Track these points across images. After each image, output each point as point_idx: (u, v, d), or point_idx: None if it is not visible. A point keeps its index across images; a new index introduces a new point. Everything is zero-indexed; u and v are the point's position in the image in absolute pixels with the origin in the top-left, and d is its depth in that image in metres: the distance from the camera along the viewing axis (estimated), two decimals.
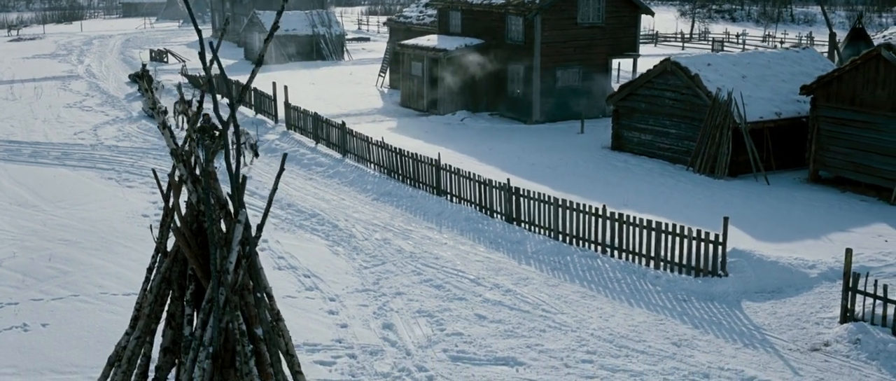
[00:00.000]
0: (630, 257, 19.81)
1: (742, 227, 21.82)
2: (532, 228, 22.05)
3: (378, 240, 21.72)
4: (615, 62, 42.85)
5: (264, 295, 10.05)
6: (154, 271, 10.25)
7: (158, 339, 10.47)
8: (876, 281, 16.07)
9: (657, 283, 18.61)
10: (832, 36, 41.73)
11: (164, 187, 10.16)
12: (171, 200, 9.95)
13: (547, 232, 21.62)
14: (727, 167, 27.54)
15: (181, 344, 10.01)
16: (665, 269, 19.17)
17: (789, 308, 17.27)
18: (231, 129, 9.26)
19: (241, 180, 9.74)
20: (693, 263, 18.76)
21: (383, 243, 21.49)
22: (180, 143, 9.77)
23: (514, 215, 22.58)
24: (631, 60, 41.99)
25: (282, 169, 9.73)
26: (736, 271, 18.54)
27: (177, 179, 9.93)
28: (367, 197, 26.18)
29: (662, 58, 30.93)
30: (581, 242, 20.82)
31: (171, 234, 10.06)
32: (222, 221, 9.89)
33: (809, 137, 26.98)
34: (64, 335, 15.90)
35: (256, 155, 30.03)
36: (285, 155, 10.25)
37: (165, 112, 9.68)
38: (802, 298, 17.77)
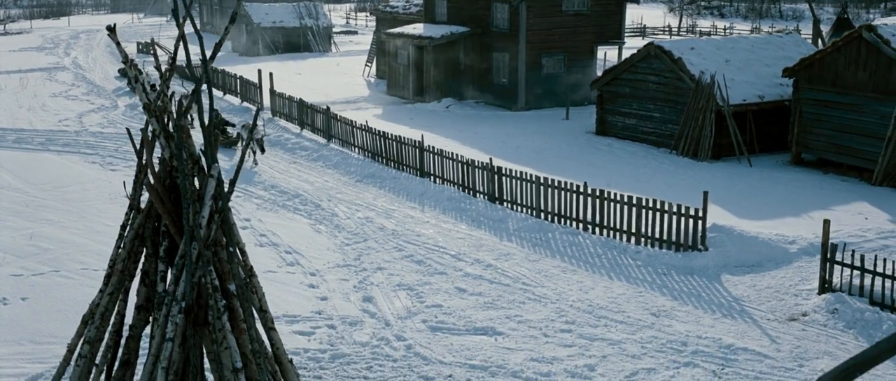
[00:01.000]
0: (611, 233, 19.87)
1: (723, 205, 21.91)
2: (514, 207, 22.09)
3: (360, 219, 21.74)
4: (601, 52, 42.92)
5: (237, 250, 10.06)
6: (127, 228, 10.25)
7: (133, 298, 10.48)
8: (853, 252, 16.16)
9: (637, 258, 18.67)
10: (816, 21, 41.87)
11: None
12: (144, 156, 9.95)
13: (529, 211, 21.66)
14: (710, 150, 27.62)
15: (155, 301, 10.02)
16: (645, 244, 19.23)
17: (768, 281, 17.34)
18: (203, 85, 9.26)
19: (214, 138, 9.76)
20: (673, 238, 18.82)
21: (365, 221, 21.51)
22: (153, 98, 9.77)
23: (497, 195, 22.62)
24: (616, 49, 42.07)
25: (255, 123, 9.74)
26: (716, 245, 18.60)
27: (150, 134, 9.93)
28: (351, 179, 26.19)
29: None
30: (563, 219, 20.87)
31: (144, 190, 10.07)
32: (195, 177, 9.89)
33: (792, 120, 27.09)
34: (43, 308, 15.88)
35: (263, 151, 28.60)
36: (258, 113, 10.26)
37: (136, 66, 9.67)
38: (782, 271, 17.85)
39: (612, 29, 40.24)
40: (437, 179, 24.85)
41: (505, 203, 22.38)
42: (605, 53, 46.47)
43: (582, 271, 18.07)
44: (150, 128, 9.87)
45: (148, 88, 9.62)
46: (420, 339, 14.65)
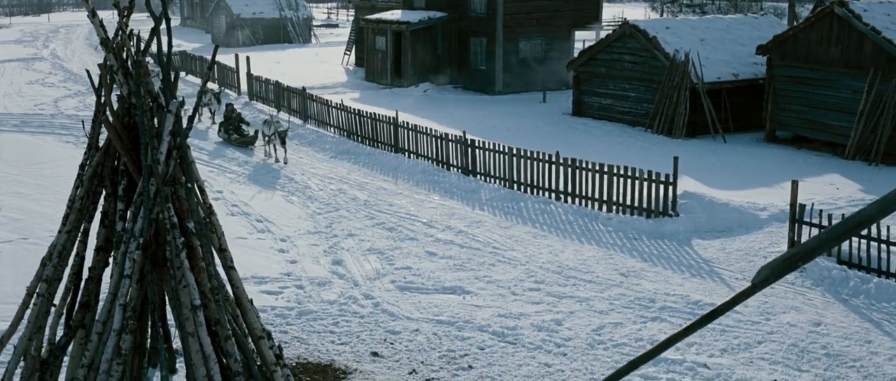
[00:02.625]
0: (583, 201, 19.90)
1: (695, 176, 21.96)
2: (488, 179, 22.09)
3: (333, 190, 21.70)
4: (579, 38, 42.92)
5: (195, 188, 10.00)
6: (86, 168, 10.17)
7: (93, 240, 10.40)
8: (821, 211, 16.21)
9: (608, 224, 18.69)
10: (791, 4, 41.99)
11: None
12: (103, 94, 9.88)
13: (502, 182, 21.66)
14: (685, 128, 27.68)
15: (114, 241, 9.95)
16: (617, 211, 19.26)
17: (738, 245, 17.40)
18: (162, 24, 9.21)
19: (173, 75, 9.73)
20: (644, 204, 18.85)
21: (338, 192, 21.47)
22: (112, 34, 9.71)
23: (470, 168, 22.60)
24: (594, 34, 42.10)
25: (213, 59, 9.68)
26: (686, 211, 18.64)
27: (108, 71, 9.86)
28: (325, 155, 26.15)
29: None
30: (535, 189, 20.88)
31: (102, 129, 10.00)
32: (155, 116, 9.83)
33: (766, 97, 27.18)
34: (10, 271, 15.78)
35: (283, 143, 25.28)
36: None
37: (93, 10, 9.60)
38: (752, 236, 17.90)
39: (589, 13, 40.29)
40: (412, 155, 24.82)
41: (478, 175, 22.37)
42: (584, 42, 46.46)
43: (553, 236, 18.07)
44: (108, 64, 9.81)
45: (104, 25, 9.56)
46: (388, 297, 14.62)
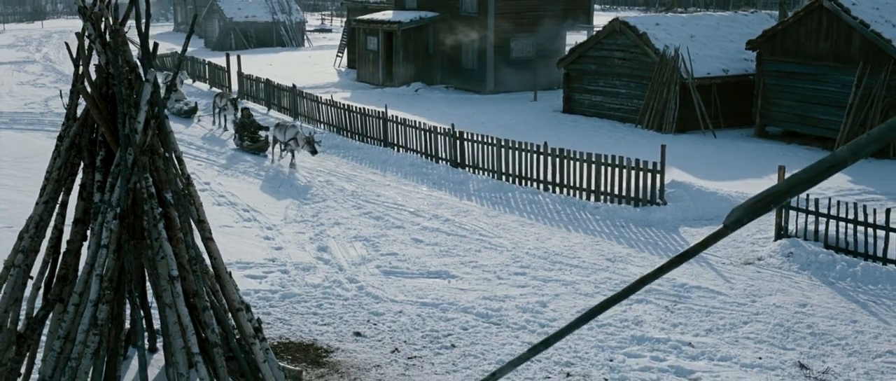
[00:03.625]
0: (570, 191, 19.85)
1: (684, 168, 21.90)
2: (476, 171, 22.04)
3: (321, 182, 21.63)
4: (571, 38, 42.86)
5: (174, 158, 9.92)
6: (64, 139, 10.10)
7: (71, 213, 10.31)
8: (808, 196, 16.16)
9: (596, 213, 18.64)
10: (782, 2, 41.95)
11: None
12: (81, 64, 9.81)
13: (490, 174, 21.60)
14: (675, 123, 27.64)
15: (91, 213, 9.87)
16: (605, 200, 19.22)
17: None
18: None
19: (152, 47, 9.67)
20: (632, 193, 18.79)
21: (326, 184, 21.41)
22: (90, 3, 9.64)
23: (459, 160, 22.54)
24: (585, 35, 42.06)
25: (192, 29, 9.61)
26: (674, 200, 18.60)
27: (86, 40, 9.79)
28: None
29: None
30: (523, 180, 20.83)
31: (81, 100, 9.93)
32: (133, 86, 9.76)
33: (755, 92, 27.16)
34: None
35: (314, 152, 23.33)
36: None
37: None
38: None
39: (580, 13, 40.27)
40: (400, 149, 24.77)
41: (467, 168, 22.32)
42: (576, 41, 46.44)
43: (540, 224, 18.01)
44: (86, 34, 9.74)
45: None
46: (373, 281, 14.54)
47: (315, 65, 52.17)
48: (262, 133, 26.24)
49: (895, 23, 23.77)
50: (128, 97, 9.48)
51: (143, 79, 9.58)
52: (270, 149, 24.90)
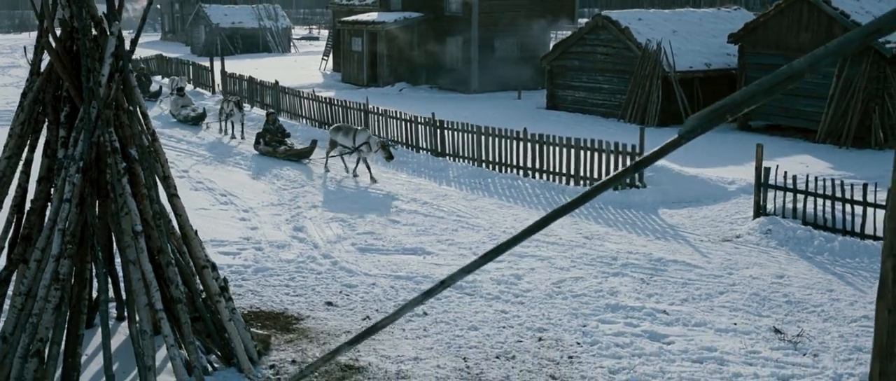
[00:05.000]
0: (550, 176, 19.77)
1: (666, 158, 21.78)
2: (456, 159, 21.94)
3: (299, 170, 21.48)
4: (556, 39, 42.91)
5: (139, 113, 9.80)
6: (28, 94, 9.96)
7: (35, 172, 10.16)
8: (786, 173, 16.10)
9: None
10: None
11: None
12: (45, 18, 9.68)
13: (471, 161, 21.51)
14: (657, 116, 27.60)
15: (55, 169, 9.73)
16: (584, 184, 19.14)
17: (705, 213, 17.29)
18: None
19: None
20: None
21: (305, 170, 21.27)
22: None
23: (440, 149, 22.44)
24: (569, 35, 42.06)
25: (146, 15, 9.48)
26: (654, 183, 18.55)
27: None
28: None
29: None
30: (503, 167, 20.76)
31: (45, 55, 9.81)
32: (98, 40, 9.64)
33: (737, 85, 27.11)
34: None
35: (390, 157, 20.45)
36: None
37: None
38: (719, 206, 17.80)
39: (565, 13, 40.25)
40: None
41: (447, 156, 22.22)
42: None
43: (518, 206, 17.92)
44: None
45: None
46: (347, 257, 14.42)
47: (301, 68, 52.07)
48: (290, 139, 24.18)
49: (875, 13, 23.76)
50: (92, 51, 9.36)
51: (108, 32, 9.47)
52: (326, 157, 21.78)
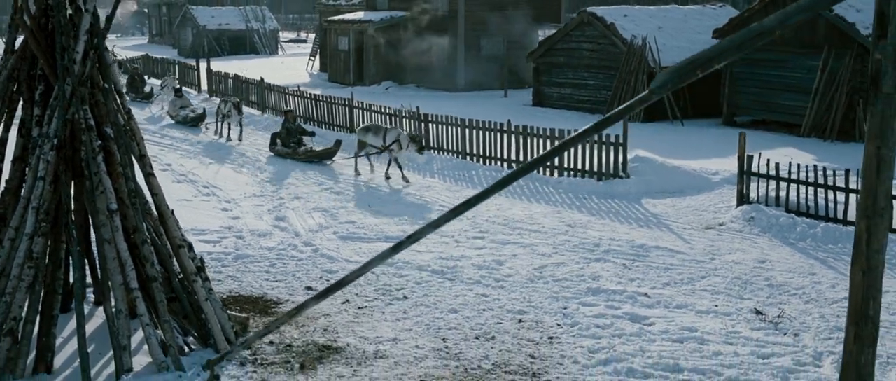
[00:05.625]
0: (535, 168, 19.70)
1: (650, 149, 21.74)
2: (440, 152, 21.89)
3: (283, 163, 21.41)
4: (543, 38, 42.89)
5: (114, 91, 9.72)
6: (2, 71, 9.86)
7: (10, 152, 10.07)
8: (769, 160, 16.09)
9: (559, 186, 18.54)
10: None
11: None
12: None
13: (455, 154, 21.47)
14: (643, 112, 27.55)
15: (30, 148, 9.64)
16: (568, 175, 19.10)
17: (688, 202, 17.28)
18: None
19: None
20: (595, 168, 18.69)
21: (289, 164, 21.20)
22: None
23: (424, 142, 22.35)
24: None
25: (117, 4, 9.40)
26: (638, 174, 18.51)
27: None
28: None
29: None
30: (487, 160, 20.74)
31: (19, 33, 9.73)
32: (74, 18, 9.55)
33: (723, 81, 27.14)
34: None
35: (422, 150, 19.74)
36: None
37: None
38: (703, 196, 17.80)
39: (551, 12, 40.26)
40: None
41: (432, 149, 22.14)
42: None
43: (501, 196, 17.83)
44: None
45: None
46: (329, 245, 14.35)
47: (288, 69, 51.92)
48: (309, 139, 22.87)
49: (859, 7, 23.80)
50: (67, 28, 9.27)
51: (83, 9, 9.39)
52: (355, 158, 20.58)
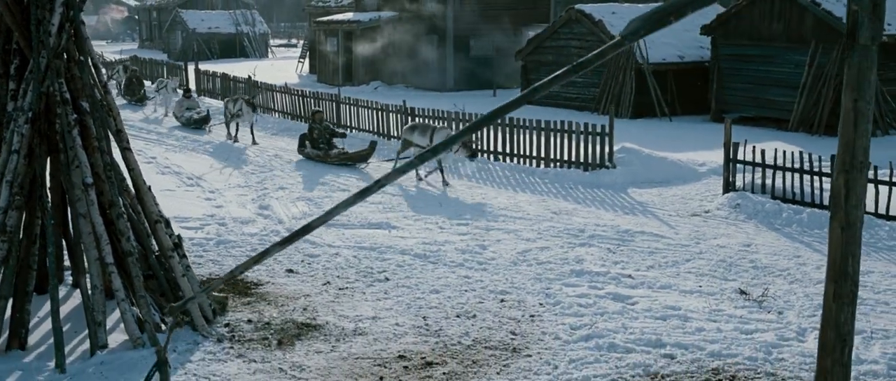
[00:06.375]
0: (520, 159, 19.67)
1: (637, 142, 21.68)
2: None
3: (269, 156, 21.37)
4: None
5: (90, 64, 9.60)
6: None
7: None
8: (754, 147, 16.04)
9: (545, 177, 18.47)
10: None
11: None
12: None
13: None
14: (631, 108, 27.54)
15: (4, 122, 9.52)
16: (554, 166, 19.03)
17: (675, 192, 17.21)
18: None
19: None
20: (581, 158, 18.62)
21: (274, 157, 21.17)
22: None
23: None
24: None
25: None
26: (624, 164, 18.44)
27: None
28: (266, 133, 25.73)
29: None
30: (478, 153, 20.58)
31: None
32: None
33: (711, 77, 27.11)
34: None
35: (474, 156, 18.54)
36: None
37: None
38: (690, 186, 17.73)
39: (541, 12, 40.17)
40: (353, 130, 24.48)
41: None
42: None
43: (487, 187, 17.80)
44: None
45: None
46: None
47: (277, 71, 51.56)
48: (339, 140, 21.55)
49: (846, 2, 23.76)
50: (42, 0, 9.17)
51: None
52: (396, 159, 19.56)
